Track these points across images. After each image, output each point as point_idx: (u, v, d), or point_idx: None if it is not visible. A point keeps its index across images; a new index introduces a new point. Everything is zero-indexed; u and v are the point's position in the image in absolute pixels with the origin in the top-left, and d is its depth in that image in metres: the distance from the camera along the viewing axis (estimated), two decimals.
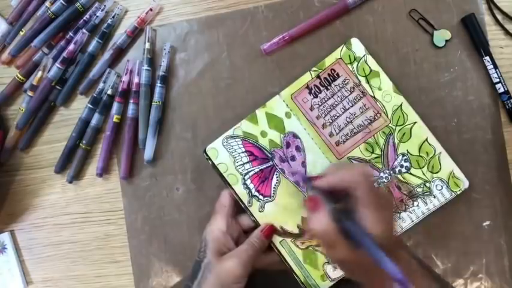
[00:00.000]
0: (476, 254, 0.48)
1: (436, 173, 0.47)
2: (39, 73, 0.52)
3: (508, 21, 0.48)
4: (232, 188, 0.47)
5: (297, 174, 0.47)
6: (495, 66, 0.47)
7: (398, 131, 0.47)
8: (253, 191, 0.47)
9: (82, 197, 0.54)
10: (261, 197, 0.47)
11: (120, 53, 0.52)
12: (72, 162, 0.53)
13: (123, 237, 0.53)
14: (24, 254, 0.55)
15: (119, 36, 0.51)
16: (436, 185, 0.47)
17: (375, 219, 0.34)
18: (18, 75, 0.53)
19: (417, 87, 0.49)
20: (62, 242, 0.54)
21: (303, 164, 0.47)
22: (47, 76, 0.51)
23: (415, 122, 0.47)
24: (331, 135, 0.47)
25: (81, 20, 0.51)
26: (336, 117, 0.47)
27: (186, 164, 0.51)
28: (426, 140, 0.47)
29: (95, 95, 0.51)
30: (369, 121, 0.47)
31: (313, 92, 0.47)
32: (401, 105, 0.47)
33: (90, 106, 0.51)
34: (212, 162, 0.47)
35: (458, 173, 0.47)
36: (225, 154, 0.47)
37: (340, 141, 0.47)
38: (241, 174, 0.47)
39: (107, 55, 0.51)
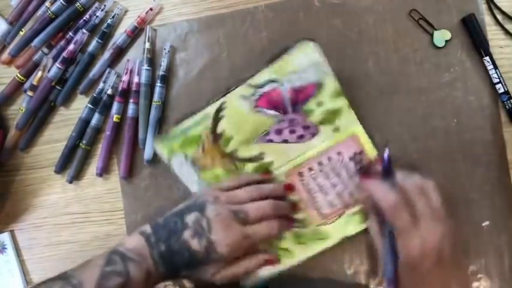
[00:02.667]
0: (476, 254, 0.48)
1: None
2: (39, 73, 0.52)
3: (508, 21, 0.48)
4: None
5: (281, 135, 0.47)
6: (495, 67, 0.47)
7: None
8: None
9: (82, 197, 0.54)
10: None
11: (120, 52, 0.52)
12: (72, 162, 0.53)
13: (123, 237, 0.53)
14: (24, 254, 0.55)
15: (119, 36, 0.51)
16: None
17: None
18: (18, 75, 0.53)
19: (417, 87, 0.49)
20: (62, 242, 0.54)
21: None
22: (47, 76, 0.51)
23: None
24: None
25: (81, 20, 0.51)
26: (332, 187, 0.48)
27: None
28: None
29: (95, 95, 0.51)
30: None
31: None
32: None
33: (90, 106, 0.51)
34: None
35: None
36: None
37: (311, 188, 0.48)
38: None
39: (106, 55, 0.51)
